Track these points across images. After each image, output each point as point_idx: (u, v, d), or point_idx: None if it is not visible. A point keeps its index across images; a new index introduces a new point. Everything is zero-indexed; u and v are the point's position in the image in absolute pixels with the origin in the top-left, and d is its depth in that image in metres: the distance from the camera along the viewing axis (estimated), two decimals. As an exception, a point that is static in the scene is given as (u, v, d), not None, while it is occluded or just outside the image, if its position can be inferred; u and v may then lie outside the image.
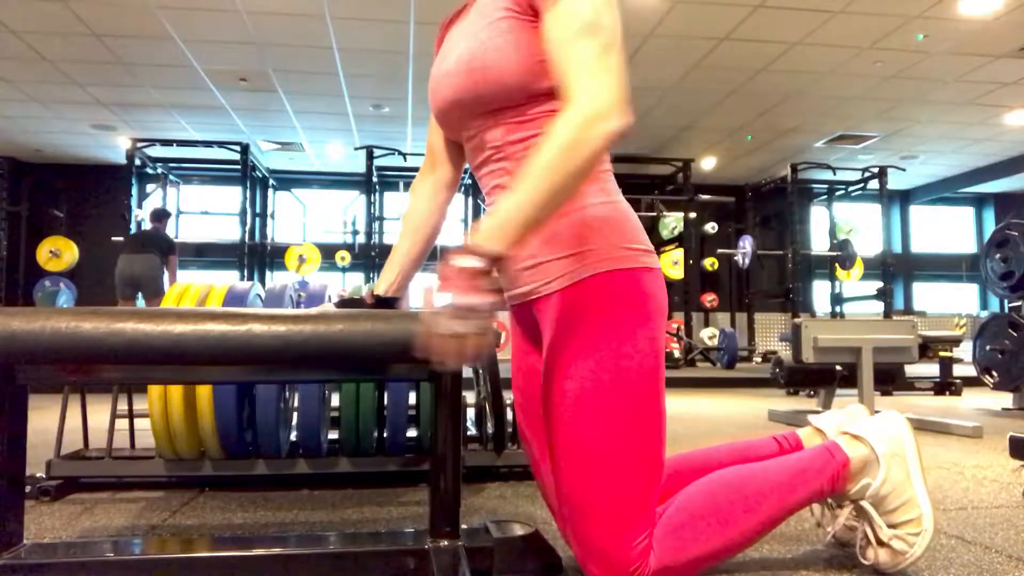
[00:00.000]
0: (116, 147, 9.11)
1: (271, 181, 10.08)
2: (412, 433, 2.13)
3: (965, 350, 6.01)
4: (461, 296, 0.91)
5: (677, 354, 8.98)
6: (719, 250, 10.48)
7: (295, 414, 2.12)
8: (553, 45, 1.05)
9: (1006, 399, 4.40)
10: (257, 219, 9.63)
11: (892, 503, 1.23)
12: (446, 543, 1.15)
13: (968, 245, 12.30)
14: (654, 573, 1.07)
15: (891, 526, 1.23)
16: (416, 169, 8.16)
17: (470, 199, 9.23)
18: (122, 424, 2.08)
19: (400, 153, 8.58)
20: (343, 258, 9.55)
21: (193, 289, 1.97)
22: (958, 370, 5.75)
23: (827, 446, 1.25)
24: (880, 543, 1.24)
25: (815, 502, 1.26)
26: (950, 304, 12.04)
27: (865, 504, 1.24)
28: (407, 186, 9.53)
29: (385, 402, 2.06)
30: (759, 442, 1.36)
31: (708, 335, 9.81)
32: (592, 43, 1.01)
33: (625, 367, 1.07)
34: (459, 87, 1.14)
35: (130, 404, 2.13)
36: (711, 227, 10.76)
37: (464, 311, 0.91)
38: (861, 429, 1.26)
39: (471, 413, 2.42)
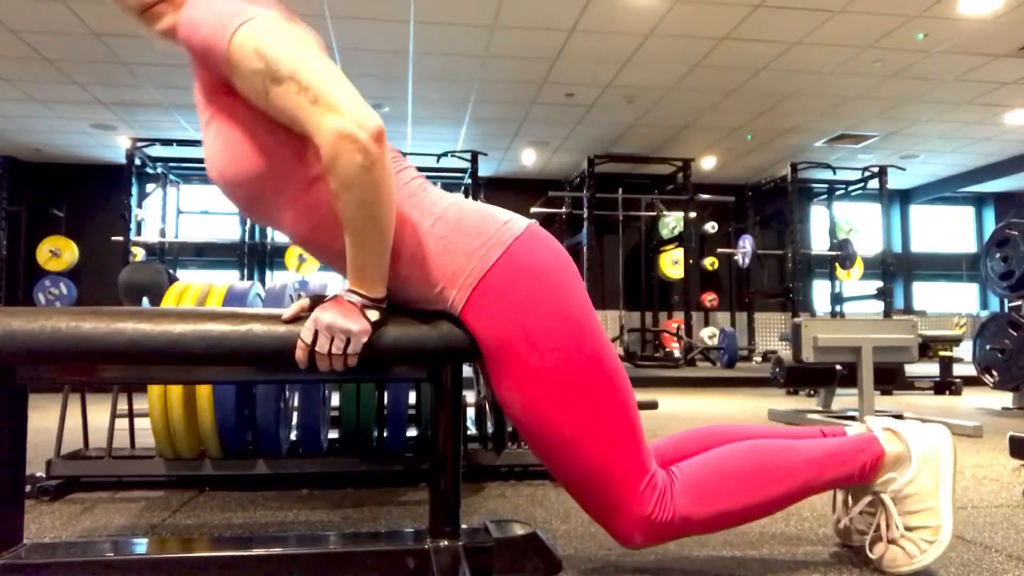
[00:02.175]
0: (116, 147, 9.10)
1: (271, 181, 10.06)
2: (412, 433, 2.13)
3: (965, 349, 6.02)
4: (338, 318, 1.02)
5: (677, 353, 8.98)
6: (719, 249, 10.47)
7: (295, 414, 2.12)
8: (269, 110, 1.01)
9: (1006, 398, 4.40)
10: (257, 219, 9.61)
11: (913, 506, 1.23)
12: (446, 543, 1.15)
13: (968, 245, 12.30)
14: (676, 519, 1.10)
15: (907, 528, 1.24)
16: (416, 168, 8.16)
17: (469, 197, 9.23)
18: (122, 424, 2.08)
19: (400, 152, 8.56)
20: (343, 257, 9.54)
21: (193, 289, 1.97)
22: (958, 369, 5.76)
23: (866, 436, 1.27)
24: (891, 541, 1.24)
25: (841, 486, 1.28)
26: (950, 304, 12.04)
27: (885, 497, 1.24)
28: (407, 186, 9.58)
29: (385, 402, 2.06)
30: (803, 429, 1.37)
31: (708, 335, 9.81)
32: (285, 87, 0.98)
33: (547, 354, 1.07)
34: (222, 189, 1.14)
35: (130, 404, 2.13)
36: (711, 226, 10.76)
37: (335, 330, 1.02)
38: (902, 428, 1.28)
39: (471, 413, 2.41)
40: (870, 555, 1.27)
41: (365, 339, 1.04)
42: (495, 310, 1.07)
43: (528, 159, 10.10)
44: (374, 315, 1.05)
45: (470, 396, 2.28)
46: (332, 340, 1.03)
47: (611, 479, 1.09)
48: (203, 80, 1.08)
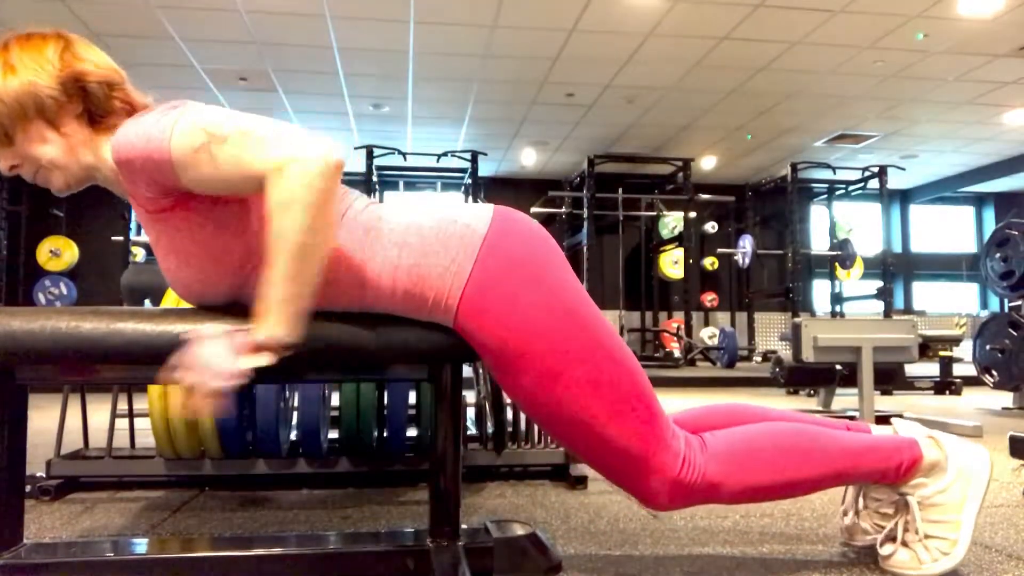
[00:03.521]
0: (116, 147, 9.11)
1: (271, 181, 10.05)
2: (412, 433, 2.13)
3: (965, 349, 6.02)
4: (212, 360, 0.95)
5: (677, 353, 8.98)
6: (719, 249, 10.47)
7: (295, 414, 2.12)
8: (220, 179, 0.98)
9: (1006, 398, 4.40)
10: (257, 219, 9.60)
11: (936, 515, 1.22)
12: (446, 543, 1.15)
13: (968, 244, 12.29)
14: (704, 484, 1.11)
15: (924, 536, 1.23)
16: (416, 168, 8.11)
17: (470, 199, 9.24)
18: (122, 424, 2.08)
19: (400, 152, 8.58)
20: (343, 258, 9.53)
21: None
22: (958, 369, 5.75)
23: (908, 439, 1.26)
24: (904, 543, 1.24)
25: (872, 480, 1.27)
26: (950, 304, 12.04)
27: (912, 500, 1.23)
28: (408, 185, 9.54)
29: (385, 402, 2.06)
30: (829, 420, 1.38)
31: (708, 335, 9.81)
32: (229, 142, 0.96)
33: (540, 346, 1.06)
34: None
35: (130, 404, 2.13)
36: (711, 226, 10.76)
37: (201, 370, 0.95)
38: (945, 439, 1.27)
39: (471, 413, 2.42)
40: (879, 552, 1.27)
41: (219, 386, 0.95)
42: (483, 317, 1.07)
43: (528, 159, 10.10)
44: (251, 362, 0.96)
45: (470, 396, 2.27)
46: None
47: (633, 449, 1.09)
48: (144, 200, 1.04)
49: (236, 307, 1.11)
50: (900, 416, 3.62)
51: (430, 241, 1.08)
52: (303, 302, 0.98)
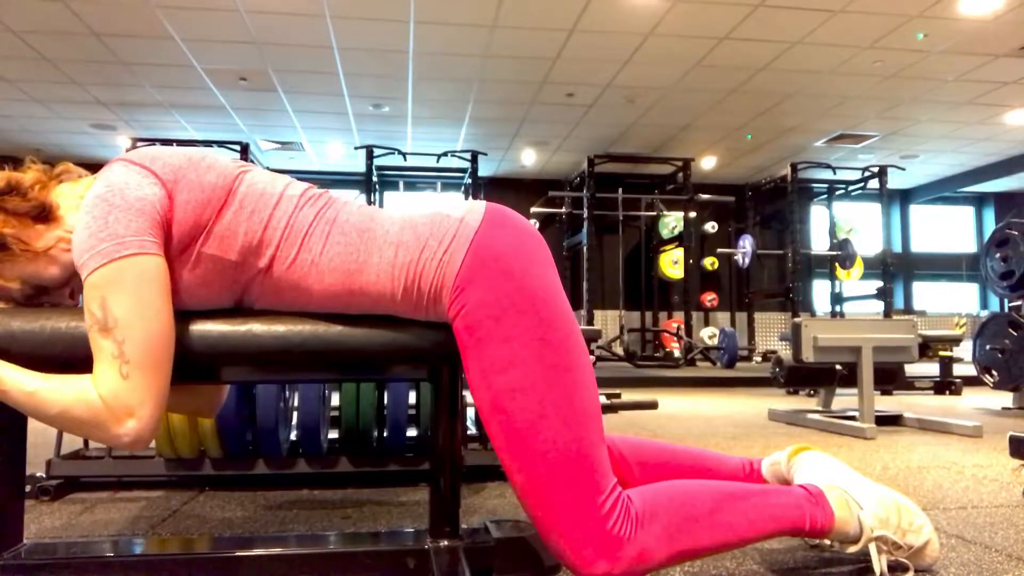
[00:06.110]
0: (116, 147, 9.11)
1: (271, 181, 10.05)
2: (412, 433, 2.13)
3: (965, 349, 6.01)
4: None
5: (677, 353, 8.98)
6: (719, 249, 10.48)
7: (295, 414, 2.12)
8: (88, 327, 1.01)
9: (1006, 398, 4.41)
10: (257, 219, 9.60)
11: (891, 533, 1.24)
12: (446, 543, 1.15)
13: (968, 244, 12.30)
14: (639, 548, 1.02)
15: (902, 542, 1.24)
16: (416, 168, 8.11)
17: (469, 197, 9.24)
18: (122, 424, 2.07)
19: (400, 152, 8.58)
20: (343, 258, 9.53)
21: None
22: (958, 369, 5.76)
23: (814, 501, 1.21)
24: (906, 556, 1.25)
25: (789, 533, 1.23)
26: (950, 304, 12.05)
27: (871, 547, 1.23)
28: (407, 185, 9.54)
29: (385, 402, 2.06)
30: (728, 462, 1.38)
31: (708, 334, 9.81)
32: (110, 338, 0.97)
33: (504, 338, 1.03)
34: None
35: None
36: (711, 226, 10.76)
37: None
38: (850, 488, 1.25)
39: (471, 413, 2.42)
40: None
41: None
42: (466, 306, 1.05)
43: (528, 159, 10.10)
44: None
45: (470, 396, 2.27)
46: None
47: (568, 481, 1.01)
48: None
49: (239, 309, 1.11)
50: (900, 416, 3.62)
51: (424, 237, 1.08)
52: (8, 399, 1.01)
